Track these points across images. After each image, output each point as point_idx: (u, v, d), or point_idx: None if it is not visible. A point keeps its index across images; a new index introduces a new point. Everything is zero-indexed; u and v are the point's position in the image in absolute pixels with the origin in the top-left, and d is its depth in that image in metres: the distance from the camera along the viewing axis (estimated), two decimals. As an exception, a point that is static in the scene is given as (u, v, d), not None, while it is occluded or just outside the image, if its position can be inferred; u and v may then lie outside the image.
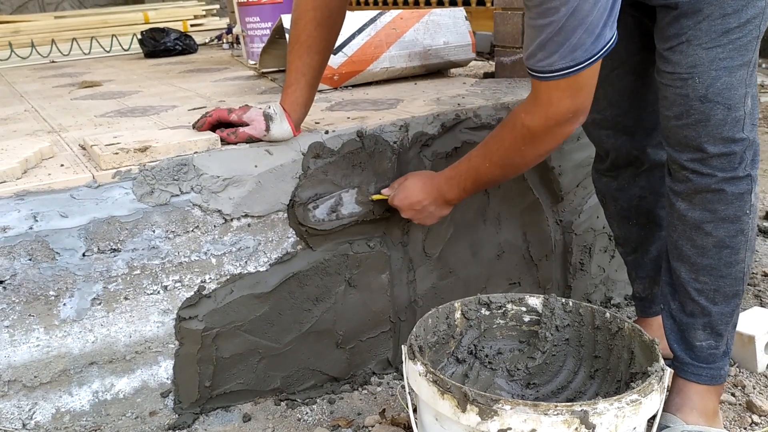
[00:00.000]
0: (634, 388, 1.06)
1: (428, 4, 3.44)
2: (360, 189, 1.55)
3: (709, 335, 1.33)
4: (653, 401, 1.07)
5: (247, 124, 1.46)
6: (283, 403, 1.56)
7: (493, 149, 1.34)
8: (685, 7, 1.21)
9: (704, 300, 1.31)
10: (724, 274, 1.30)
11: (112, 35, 4.14)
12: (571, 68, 1.14)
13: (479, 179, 1.40)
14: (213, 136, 1.45)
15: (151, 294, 1.40)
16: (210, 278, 1.45)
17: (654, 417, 1.10)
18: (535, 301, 1.40)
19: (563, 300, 1.37)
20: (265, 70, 2.45)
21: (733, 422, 1.46)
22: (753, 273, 2.10)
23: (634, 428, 1.05)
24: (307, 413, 1.54)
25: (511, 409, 1.01)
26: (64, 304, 1.32)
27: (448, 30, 2.19)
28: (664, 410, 1.36)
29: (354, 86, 2.15)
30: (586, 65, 1.14)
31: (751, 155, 1.25)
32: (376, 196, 1.55)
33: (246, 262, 1.48)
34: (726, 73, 1.20)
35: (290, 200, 1.49)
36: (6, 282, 1.26)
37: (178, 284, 1.42)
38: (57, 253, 1.29)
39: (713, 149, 1.22)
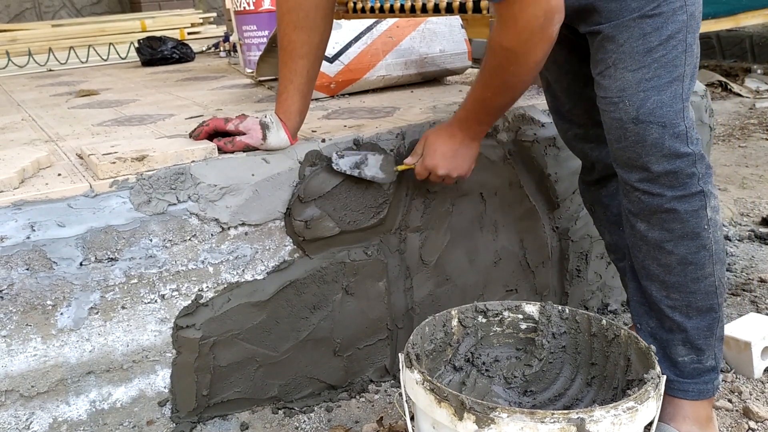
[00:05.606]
0: (630, 396, 1.06)
1: (424, 12, 3.46)
2: (387, 156, 1.53)
3: (690, 350, 1.33)
4: (650, 408, 1.07)
5: (244, 133, 1.47)
6: (280, 412, 1.56)
7: (488, 78, 1.33)
8: (606, 31, 1.22)
9: (678, 316, 1.32)
10: (693, 290, 1.30)
11: (110, 44, 4.15)
12: None
13: (489, 108, 1.39)
14: (210, 145, 1.46)
15: (149, 303, 1.40)
16: (207, 287, 1.45)
17: (650, 424, 1.10)
18: (531, 308, 1.40)
19: (560, 307, 1.37)
20: (262, 79, 2.46)
21: (730, 428, 1.47)
22: (749, 279, 2.11)
23: (631, 435, 1.06)
24: (304, 421, 1.54)
25: (507, 417, 1.01)
26: (62, 314, 1.32)
27: (444, 38, 2.20)
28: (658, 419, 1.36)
29: (350, 94, 2.16)
30: None
31: (703, 169, 1.25)
32: (401, 167, 1.53)
33: (243, 270, 1.48)
34: (655, 93, 1.20)
35: (287, 208, 1.50)
36: (3, 292, 1.26)
37: (175, 293, 1.42)
38: (54, 262, 1.29)
39: (657, 168, 1.22)
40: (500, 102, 1.38)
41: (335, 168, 1.48)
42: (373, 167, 1.51)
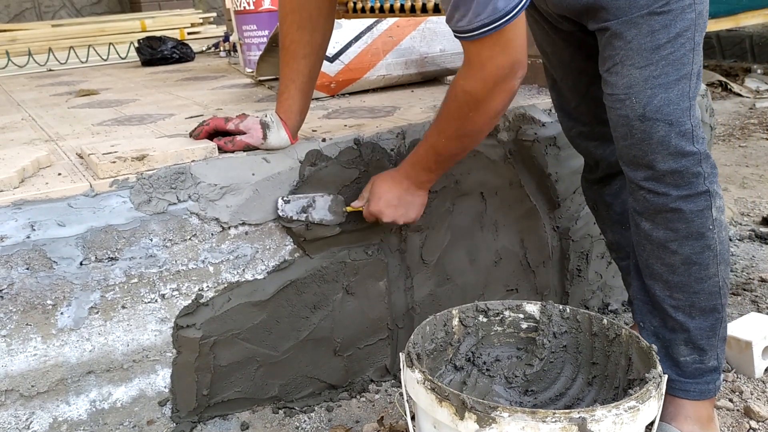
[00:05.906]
0: (631, 395, 1.06)
1: (424, 11, 3.45)
2: (336, 198, 1.51)
3: (692, 350, 1.32)
4: (651, 408, 1.07)
5: (244, 133, 1.47)
6: (281, 411, 1.56)
7: (444, 123, 1.32)
8: (614, 28, 1.21)
9: (681, 316, 1.31)
10: (696, 290, 1.29)
11: (109, 43, 4.15)
12: (489, 26, 1.11)
13: (440, 156, 1.37)
14: (210, 145, 1.46)
15: (149, 302, 1.40)
16: (207, 286, 1.45)
17: (652, 423, 1.10)
18: (532, 308, 1.40)
19: (560, 307, 1.37)
20: (262, 78, 2.46)
21: (731, 428, 1.46)
22: (750, 279, 2.10)
23: (632, 435, 1.05)
24: (305, 421, 1.54)
25: (509, 416, 1.01)
26: (62, 313, 1.32)
27: (445, 37, 2.19)
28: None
29: (351, 94, 2.16)
30: (504, 21, 1.11)
31: (708, 168, 1.24)
32: (349, 208, 1.51)
33: (243, 270, 1.48)
34: (662, 90, 1.20)
35: (288, 208, 1.49)
36: (3, 291, 1.26)
37: (175, 292, 1.42)
38: (54, 261, 1.29)
39: (663, 166, 1.22)
40: (452, 150, 1.36)
41: (281, 215, 1.45)
42: (322, 209, 1.49)
